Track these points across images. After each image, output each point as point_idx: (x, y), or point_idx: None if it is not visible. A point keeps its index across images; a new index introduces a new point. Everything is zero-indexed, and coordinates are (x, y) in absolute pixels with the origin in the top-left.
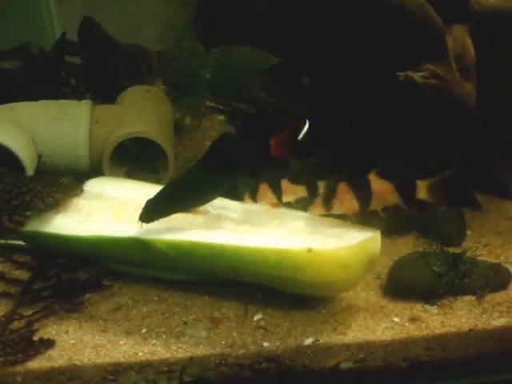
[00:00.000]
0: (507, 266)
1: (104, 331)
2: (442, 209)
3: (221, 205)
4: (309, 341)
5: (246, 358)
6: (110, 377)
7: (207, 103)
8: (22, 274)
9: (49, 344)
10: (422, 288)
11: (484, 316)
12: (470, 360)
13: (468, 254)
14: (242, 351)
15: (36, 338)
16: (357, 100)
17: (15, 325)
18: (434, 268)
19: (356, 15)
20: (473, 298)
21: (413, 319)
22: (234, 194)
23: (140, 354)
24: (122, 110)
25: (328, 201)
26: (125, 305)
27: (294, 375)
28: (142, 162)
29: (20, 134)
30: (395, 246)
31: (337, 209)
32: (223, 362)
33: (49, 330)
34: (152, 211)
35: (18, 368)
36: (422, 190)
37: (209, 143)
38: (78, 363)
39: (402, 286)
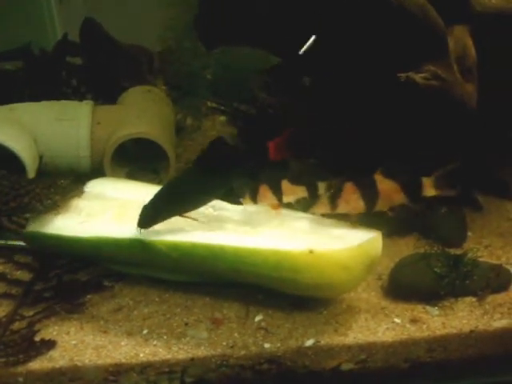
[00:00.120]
0: (508, 267)
1: (105, 332)
2: (444, 210)
3: (221, 206)
4: (310, 342)
5: (247, 359)
6: (111, 378)
7: (208, 104)
8: (24, 275)
9: (50, 345)
10: (423, 289)
11: (485, 317)
12: (471, 361)
13: (469, 255)
14: (243, 352)
15: (37, 338)
16: (357, 100)
17: (16, 325)
18: (435, 269)
19: (356, 15)
20: (474, 299)
21: (414, 320)
22: (232, 197)
23: (141, 355)
24: (123, 110)
25: (334, 200)
26: (126, 306)
27: (294, 376)
28: (143, 162)
29: (21, 134)
30: (396, 247)
31: (342, 208)
32: (224, 362)
33: (50, 330)
34: (149, 216)
35: (20, 369)
36: (428, 188)
37: None
38: (79, 364)
39: (403, 287)
